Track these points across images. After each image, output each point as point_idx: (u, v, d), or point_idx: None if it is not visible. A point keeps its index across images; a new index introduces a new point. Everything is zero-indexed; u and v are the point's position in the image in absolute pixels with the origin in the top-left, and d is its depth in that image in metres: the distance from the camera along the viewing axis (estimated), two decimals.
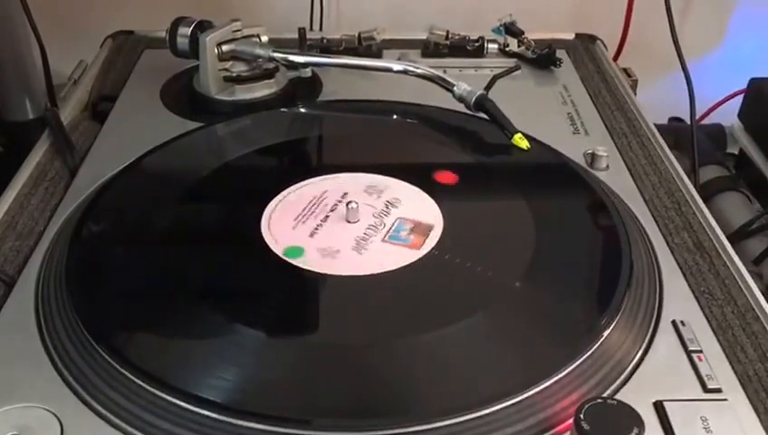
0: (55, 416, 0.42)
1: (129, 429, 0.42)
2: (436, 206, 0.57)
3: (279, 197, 0.58)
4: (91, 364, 0.45)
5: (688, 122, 0.81)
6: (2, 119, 0.89)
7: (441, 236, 0.54)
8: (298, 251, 0.53)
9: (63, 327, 0.47)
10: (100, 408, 0.43)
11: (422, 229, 0.54)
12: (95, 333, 0.46)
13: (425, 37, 0.84)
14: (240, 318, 0.47)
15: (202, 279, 0.51)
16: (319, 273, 0.51)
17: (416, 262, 0.52)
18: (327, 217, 0.56)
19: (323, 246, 0.53)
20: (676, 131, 0.87)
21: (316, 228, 0.55)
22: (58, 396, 0.43)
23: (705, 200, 0.63)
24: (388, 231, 0.55)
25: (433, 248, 0.53)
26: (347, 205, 0.56)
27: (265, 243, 0.53)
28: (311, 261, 0.52)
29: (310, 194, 0.59)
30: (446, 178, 0.60)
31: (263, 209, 0.56)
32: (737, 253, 0.56)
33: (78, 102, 0.75)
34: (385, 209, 0.57)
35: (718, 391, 0.44)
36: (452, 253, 0.53)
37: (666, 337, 0.48)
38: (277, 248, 0.53)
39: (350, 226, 0.55)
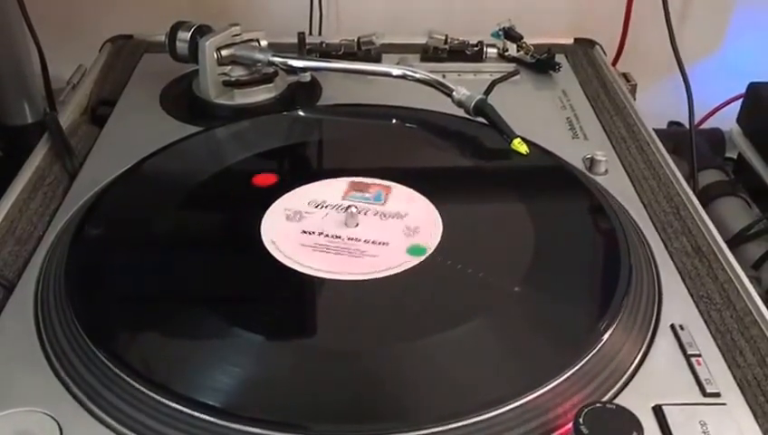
0: (54, 420, 0.42)
1: (129, 432, 0.42)
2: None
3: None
4: (90, 368, 0.45)
5: (687, 127, 0.81)
6: (1, 123, 0.89)
7: (440, 241, 0.54)
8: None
9: (63, 331, 0.47)
10: (99, 412, 0.43)
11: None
12: (94, 338, 0.46)
13: (424, 42, 0.85)
14: (239, 322, 0.47)
15: (200, 283, 0.51)
16: (316, 277, 0.51)
17: (413, 267, 0.52)
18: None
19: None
20: (675, 136, 0.87)
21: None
22: (57, 400, 0.43)
23: (704, 205, 0.63)
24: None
25: (431, 253, 0.53)
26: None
27: (264, 247, 0.53)
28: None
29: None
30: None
31: (262, 213, 0.57)
32: (736, 257, 0.56)
33: (77, 106, 0.75)
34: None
35: (717, 395, 0.44)
36: (451, 258, 0.53)
37: (664, 341, 0.48)
38: (277, 253, 0.53)
39: (348, 230, 0.55)
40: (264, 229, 0.55)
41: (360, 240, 0.54)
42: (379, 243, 0.54)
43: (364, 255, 0.53)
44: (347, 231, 0.55)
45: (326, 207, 0.58)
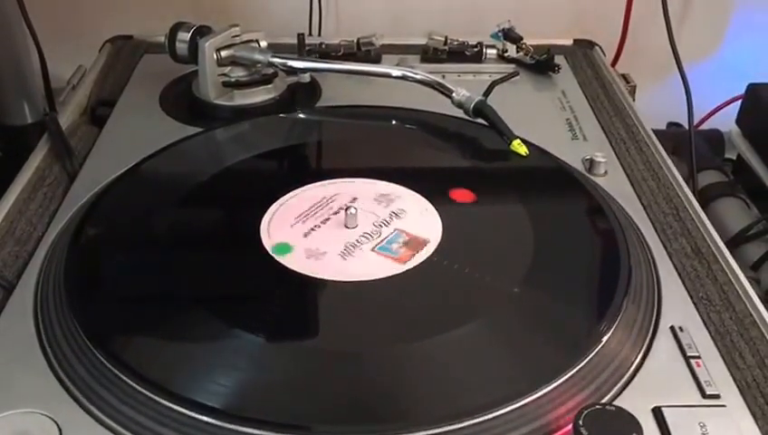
0: (54, 421, 0.42)
1: (128, 434, 0.42)
2: (436, 213, 0.57)
3: (281, 200, 0.58)
4: (89, 369, 0.45)
5: (686, 128, 0.81)
6: (0, 123, 0.89)
7: (439, 243, 0.54)
8: (286, 248, 0.53)
9: (62, 332, 0.47)
10: (98, 413, 0.43)
11: (416, 244, 0.54)
12: (94, 338, 0.46)
13: (424, 43, 0.85)
14: (238, 323, 0.47)
15: (199, 285, 0.51)
16: (316, 278, 0.51)
17: (413, 269, 0.52)
18: (327, 220, 0.56)
19: (312, 247, 0.53)
20: (674, 137, 0.87)
21: (313, 229, 0.55)
22: (57, 401, 0.43)
23: (704, 206, 0.63)
24: (381, 241, 0.54)
25: (430, 257, 0.53)
26: (346, 210, 0.56)
27: (264, 248, 0.53)
28: (295, 260, 0.52)
29: (315, 197, 0.59)
30: (462, 196, 0.60)
31: (261, 214, 0.57)
32: (735, 258, 0.56)
33: (77, 107, 0.75)
34: (387, 219, 0.56)
35: (716, 396, 0.44)
36: (451, 259, 0.53)
37: (664, 343, 0.48)
38: (277, 254, 0.53)
39: (347, 231, 0.55)
40: (264, 230, 0.55)
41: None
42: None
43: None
44: (344, 232, 0.55)
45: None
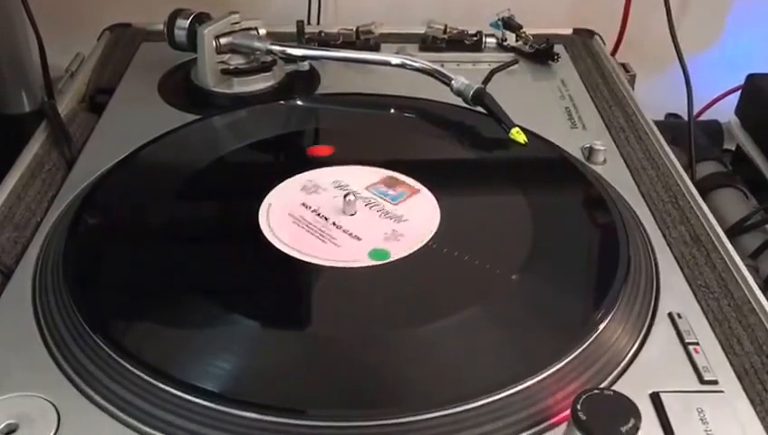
0: (53, 405, 0.42)
1: (126, 417, 0.42)
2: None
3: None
4: (87, 354, 0.45)
5: (685, 118, 0.81)
6: None
7: (437, 229, 0.54)
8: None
9: (60, 317, 0.47)
10: (96, 397, 0.43)
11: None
12: (92, 323, 0.46)
13: (423, 31, 0.85)
14: (234, 307, 0.47)
15: (197, 270, 0.51)
16: (311, 263, 0.51)
17: (410, 255, 0.52)
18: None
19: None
20: (673, 127, 0.87)
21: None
22: (55, 385, 0.43)
23: (702, 196, 0.63)
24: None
25: (425, 245, 0.53)
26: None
27: (262, 234, 0.53)
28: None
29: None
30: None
31: (259, 201, 0.56)
32: (733, 248, 0.56)
33: (75, 94, 0.75)
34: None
35: (714, 382, 0.45)
36: (449, 246, 0.53)
37: (662, 329, 0.48)
38: (275, 241, 0.53)
39: (345, 217, 0.55)
40: (262, 217, 0.55)
41: (340, 228, 0.54)
42: (354, 236, 0.54)
43: (331, 242, 0.53)
44: (344, 218, 0.55)
45: (326, 194, 0.58)
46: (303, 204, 0.57)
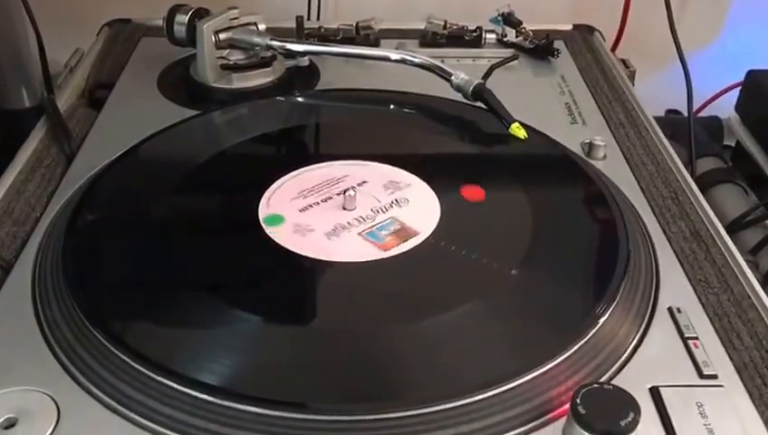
0: (52, 399, 0.42)
1: (126, 411, 0.42)
2: (434, 195, 0.57)
3: (283, 178, 0.58)
4: (87, 348, 0.44)
5: (685, 115, 0.81)
6: None
7: (437, 225, 0.54)
8: (278, 219, 0.54)
9: (60, 311, 0.47)
10: (96, 391, 0.43)
11: (404, 234, 0.53)
12: (92, 318, 0.46)
13: (423, 27, 0.84)
14: (235, 302, 0.47)
15: (197, 265, 0.51)
16: (311, 258, 0.51)
17: (411, 250, 0.52)
18: (327, 199, 0.56)
19: (303, 222, 0.54)
20: (673, 124, 0.87)
21: (310, 206, 0.56)
22: (55, 380, 0.43)
23: (702, 192, 0.63)
24: (371, 227, 0.54)
25: (429, 236, 0.53)
26: (345, 192, 0.56)
27: (262, 229, 0.53)
28: (281, 233, 0.53)
29: (317, 178, 0.59)
30: (472, 194, 0.59)
31: (259, 196, 0.56)
32: (733, 244, 0.56)
33: (75, 89, 0.75)
34: (387, 206, 0.56)
35: (714, 377, 0.45)
36: (448, 241, 0.53)
37: (662, 324, 0.48)
38: (275, 235, 0.53)
39: (344, 213, 0.55)
40: (262, 212, 0.55)
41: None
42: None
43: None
44: (340, 213, 0.55)
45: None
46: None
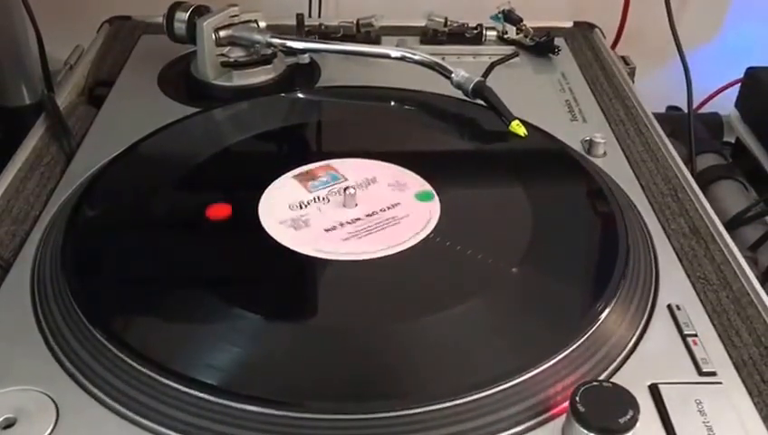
0: (51, 399, 0.42)
1: (125, 411, 0.42)
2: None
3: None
4: (86, 347, 0.45)
5: (685, 111, 0.81)
6: None
7: (437, 223, 0.54)
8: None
9: (59, 310, 0.47)
10: (96, 390, 0.43)
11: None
12: (90, 316, 0.46)
13: (423, 24, 0.84)
14: (236, 301, 0.47)
15: (197, 263, 0.51)
16: (310, 256, 0.51)
17: (411, 248, 0.52)
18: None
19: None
20: (673, 120, 0.87)
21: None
22: (54, 379, 0.43)
23: (702, 188, 0.63)
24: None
25: (429, 234, 0.53)
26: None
27: (261, 226, 0.53)
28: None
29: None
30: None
31: (259, 194, 0.56)
32: (733, 240, 0.56)
33: (74, 87, 0.75)
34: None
35: (713, 374, 0.45)
36: (449, 238, 0.53)
37: (661, 321, 0.48)
38: (272, 231, 0.53)
39: (344, 210, 0.55)
40: (262, 210, 0.55)
41: (340, 222, 0.54)
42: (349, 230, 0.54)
43: (389, 225, 0.53)
44: (340, 211, 0.55)
45: (326, 188, 0.58)
46: (303, 196, 0.56)
